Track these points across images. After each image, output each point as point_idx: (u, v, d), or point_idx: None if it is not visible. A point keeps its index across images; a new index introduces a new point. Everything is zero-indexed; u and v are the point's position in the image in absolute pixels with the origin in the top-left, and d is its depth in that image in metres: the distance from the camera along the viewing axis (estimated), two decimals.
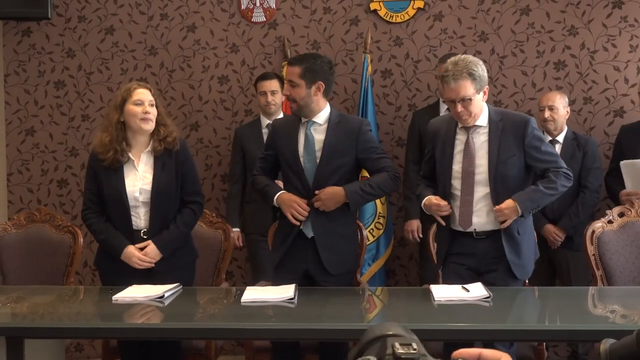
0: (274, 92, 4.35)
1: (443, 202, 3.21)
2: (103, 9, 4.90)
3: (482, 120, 3.22)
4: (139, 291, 3.09)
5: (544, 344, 3.31)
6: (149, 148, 3.37)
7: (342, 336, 2.70)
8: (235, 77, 4.86)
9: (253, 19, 4.83)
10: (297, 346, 3.41)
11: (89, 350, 4.84)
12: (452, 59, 3.20)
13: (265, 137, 4.08)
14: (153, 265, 3.32)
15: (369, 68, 4.61)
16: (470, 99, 3.11)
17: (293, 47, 4.76)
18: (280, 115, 4.35)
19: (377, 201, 4.48)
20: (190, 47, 4.87)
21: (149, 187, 3.32)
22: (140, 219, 3.33)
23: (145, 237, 3.32)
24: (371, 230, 4.50)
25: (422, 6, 4.73)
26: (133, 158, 3.35)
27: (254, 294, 3.08)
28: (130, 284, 3.18)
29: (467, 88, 3.10)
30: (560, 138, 4.22)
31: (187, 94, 4.89)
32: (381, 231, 4.55)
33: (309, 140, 3.38)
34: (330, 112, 3.42)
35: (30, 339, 2.98)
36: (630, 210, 3.54)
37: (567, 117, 4.27)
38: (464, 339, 2.53)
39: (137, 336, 2.98)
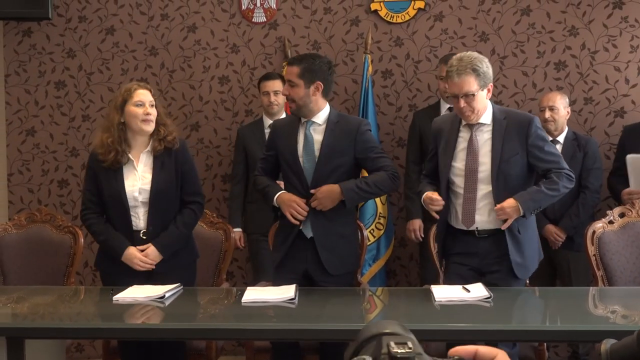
0: (277, 92, 4.35)
1: (436, 196, 3.20)
2: (103, 9, 4.90)
3: (486, 118, 3.21)
4: (140, 291, 3.09)
5: (545, 344, 3.31)
6: (148, 148, 3.36)
7: (342, 336, 2.70)
8: (235, 78, 4.86)
9: (254, 19, 4.83)
10: (297, 346, 3.41)
11: (90, 350, 4.84)
12: (458, 55, 3.21)
13: (267, 137, 4.09)
14: (154, 267, 3.31)
15: (370, 68, 4.61)
16: (473, 95, 3.11)
17: (293, 48, 4.76)
18: (283, 116, 4.35)
19: (378, 201, 4.48)
20: (191, 47, 4.87)
21: (148, 187, 3.32)
22: (139, 219, 3.33)
23: (144, 237, 3.32)
24: (372, 231, 4.49)
25: (422, 6, 4.73)
26: (132, 158, 3.35)
27: (254, 294, 3.08)
28: (131, 285, 3.18)
29: (471, 83, 3.10)
30: (561, 138, 4.22)
31: (187, 94, 4.89)
32: (382, 231, 4.55)
33: (308, 140, 3.38)
34: (330, 112, 3.42)
35: (31, 339, 2.98)
36: (631, 211, 3.54)
37: (567, 117, 4.27)
38: (465, 339, 2.53)
39: (137, 336, 2.98)
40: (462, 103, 3.13)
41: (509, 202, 3.10)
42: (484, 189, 3.19)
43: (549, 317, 3.03)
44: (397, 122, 4.79)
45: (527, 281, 3.34)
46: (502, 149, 3.16)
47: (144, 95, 3.32)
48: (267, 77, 4.44)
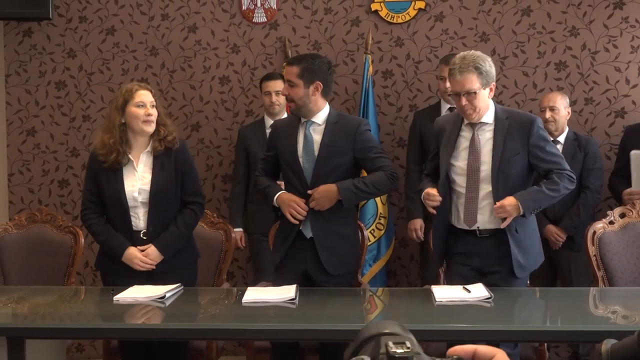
0: (279, 93, 4.34)
1: (434, 192, 3.20)
2: (104, 10, 4.90)
3: (488, 117, 3.21)
4: (140, 292, 3.09)
5: (545, 344, 3.31)
6: (148, 148, 3.36)
7: (342, 337, 2.70)
8: (236, 78, 4.86)
9: (254, 20, 4.83)
10: (297, 347, 3.41)
11: (90, 350, 4.84)
12: (462, 53, 3.22)
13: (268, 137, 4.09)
14: (154, 267, 3.31)
15: (370, 69, 4.61)
16: (475, 93, 3.11)
17: (294, 48, 4.76)
18: (284, 116, 4.35)
19: (379, 202, 4.48)
20: (191, 47, 4.87)
21: (147, 187, 3.31)
22: (139, 219, 3.33)
23: (145, 237, 3.32)
24: (372, 231, 4.49)
25: (423, 7, 4.73)
26: (132, 159, 3.35)
27: (255, 294, 3.08)
28: (132, 285, 3.18)
29: (473, 81, 3.10)
30: (561, 139, 4.22)
31: (188, 94, 4.89)
32: (382, 232, 4.55)
33: (307, 140, 3.38)
34: (329, 112, 3.42)
35: (31, 339, 2.98)
36: (632, 211, 3.54)
37: (568, 117, 4.27)
38: (465, 339, 2.53)
39: (138, 337, 2.99)
40: (464, 101, 3.13)
41: (509, 200, 3.09)
42: (485, 188, 3.19)
43: (550, 317, 3.03)
44: (397, 122, 4.79)
45: (528, 282, 3.34)
46: (504, 148, 3.16)
47: (145, 95, 3.32)
48: (269, 77, 4.44)
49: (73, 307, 3.25)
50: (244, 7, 4.84)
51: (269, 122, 4.37)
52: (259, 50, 4.84)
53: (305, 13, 4.81)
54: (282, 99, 4.35)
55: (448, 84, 4.15)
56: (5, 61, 4.95)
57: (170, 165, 3.35)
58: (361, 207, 4.43)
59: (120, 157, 3.29)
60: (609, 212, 3.57)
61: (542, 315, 3.08)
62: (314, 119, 3.40)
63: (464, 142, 3.24)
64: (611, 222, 3.50)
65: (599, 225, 3.49)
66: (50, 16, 4.69)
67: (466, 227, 3.23)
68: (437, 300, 2.90)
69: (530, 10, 4.68)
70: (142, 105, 3.29)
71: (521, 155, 3.17)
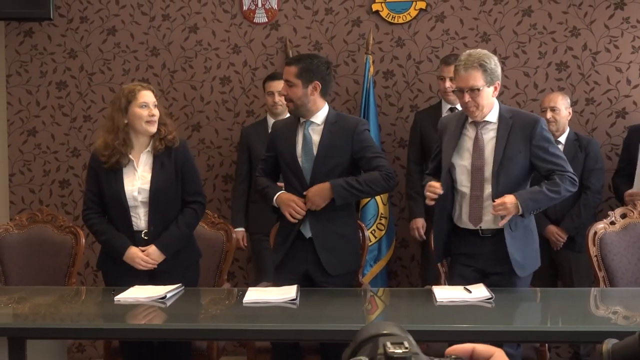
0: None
1: (437, 184, 3.17)
2: (105, 10, 4.90)
3: (492, 116, 3.20)
4: (141, 292, 3.09)
5: (546, 345, 3.31)
6: (149, 148, 3.37)
7: (343, 337, 2.70)
8: (237, 78, 4.86)
9: (255, 20, 4.84)
10: (297, 347, 3.41)
11: (91, 350, 4.84)
12: (468, 50, 3.23)
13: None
14: (155, 267, 3.31)
15: (371, 69, 4.61)
16: (478, 90, 3.10)
17: (295, 48, 4.76)
18: (287, 116, 4.34)
19: (379, 202, 4.48)
20: (192, 47, 4.87)
21: (147, 186, 3.31)
22: (140, 219, 3.33)
23: (146, 237, 3.32)
24: (373, 231, 4.49)
25: (424, 7, 4.73)
26: (133, 158, 3.35)
27: (256, 294, 3.08)
28: (134, 285, 3.18)
29: (477, 78, 3.10)
30: (562, 139, 4.22)
31: (189, 94, 4.89)
32: (383, 232, 4.54)
33: (306, 140, 3.38)
34: (328, 112, 3.42)
35: (32, 340, 2.98)
36: (633, 212, 3.54)
37: (569, 118, 4.27)
38: (466, 340, 2.52)
39: (139, 337, 2.99)
40: (467, 97, 3.12)
41: (509, 198, 3.07)
42: (488, 187, 3.18)
43: (551, 317, 3.03)
44: (398, 122, 4.79)
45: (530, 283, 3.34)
46: (506, 147, 3.15)
47: (147, 96, 3.31)
48: (272, 77, 4.44)
49: (74, 307, 3.25)
50: (244, 8, 4.84)
51: (272, 122, 4.36)
52: (259, 50, 4.84)
53: (306, 13, 4.81)
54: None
55: (448, 84, 4.16)
56: (6, 61, 4.95)
57: (170, 164, 3.35)
58: (362, 207, 4.43)
59: (122, 157, 3.30)
60: (610, 213, 3.56)
61: (543, 316, 3.08)
62: (312, 119, 3.40)
63: (467, 141, 3.23)
64: (612, 223, 3.50)
65: (600, 226, 3.49)
66: (51, 16, 4.69)
67: (470, 227, 3.21)
68: (438, 300, 2.90)
69: (531, 11, 4.67)
70: (145, 106, 3.29)
71: (522, 155, 3.16)
